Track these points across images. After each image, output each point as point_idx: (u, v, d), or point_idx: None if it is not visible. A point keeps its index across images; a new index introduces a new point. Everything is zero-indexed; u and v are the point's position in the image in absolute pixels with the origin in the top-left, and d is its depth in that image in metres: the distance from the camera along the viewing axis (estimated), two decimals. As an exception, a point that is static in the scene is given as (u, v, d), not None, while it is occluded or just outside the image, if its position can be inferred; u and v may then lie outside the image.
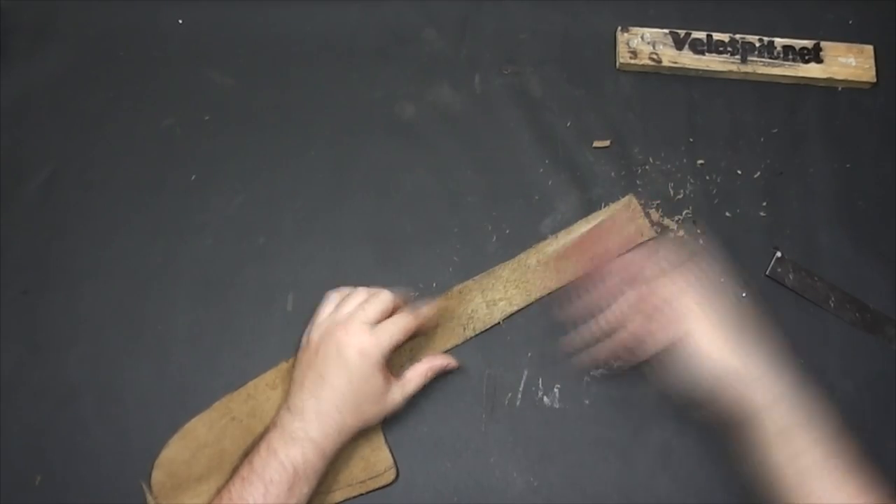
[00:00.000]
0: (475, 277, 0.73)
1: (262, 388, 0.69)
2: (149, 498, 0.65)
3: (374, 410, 0.63)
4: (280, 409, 0.62)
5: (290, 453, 0.59)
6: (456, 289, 0.72)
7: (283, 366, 0.69)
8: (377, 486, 0.66)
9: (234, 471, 0.60)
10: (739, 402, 0.59)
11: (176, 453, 0.66)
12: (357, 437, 0.65)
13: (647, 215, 0.75)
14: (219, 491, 0.59)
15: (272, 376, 0.69)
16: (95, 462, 0.67)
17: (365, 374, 0.62)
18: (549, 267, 0.72)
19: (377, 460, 0.66)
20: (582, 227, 0.74)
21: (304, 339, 0.66)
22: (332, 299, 0.67)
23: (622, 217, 0.74)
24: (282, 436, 0.60)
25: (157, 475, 0.66)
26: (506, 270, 0.73)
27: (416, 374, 0.66)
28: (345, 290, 0.67)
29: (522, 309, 0.72)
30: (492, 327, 0.71)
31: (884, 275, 0.74)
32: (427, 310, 0.67)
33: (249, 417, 0.67)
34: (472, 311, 0.71)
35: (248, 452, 0.61)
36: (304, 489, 0.59)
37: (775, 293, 0.73)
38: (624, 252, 0.71)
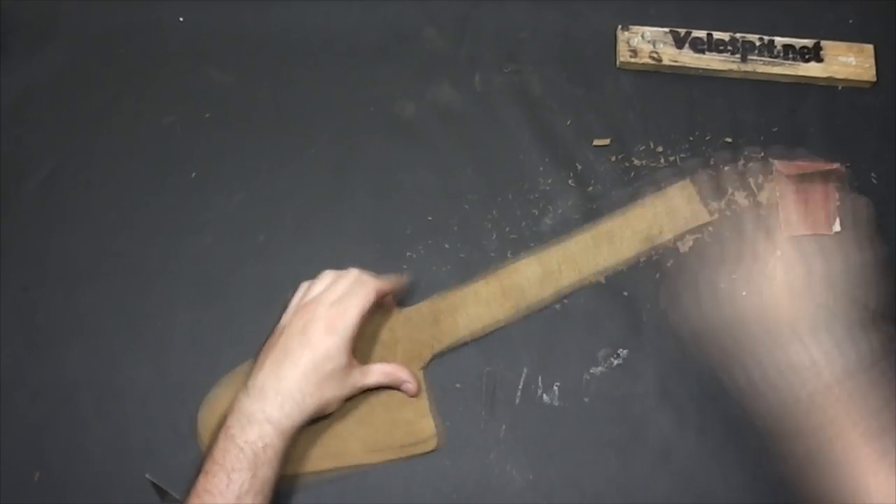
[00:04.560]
0: (528, 254, 0.73)
1: None
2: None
3: (334, 392, 0.63)
4: (239, 394, 0.61)
5: (249, 437, 0.58)
6: (509, 265, 0.73)
7: None
8: (418, 451, 0.66)
9: (198, 467, 0.59)
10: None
11: (224, 393, 0.66)
12: (403, 402, 0.66)
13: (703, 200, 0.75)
14: (187, 492, 0.58)
15: None
16: (94, 459, 0.67)
17: (329, 353, 0.62)
18: (601, 246, 0.73)
19: (421, 428, 0.67)
20: (637, 209, 0.74)
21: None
22: (303, 287, 0.67)
23: (678, 200, 0.75)
24: (239, 419, 0.59)
25: (203, 412, 0.66)
26: (559, 248, 0.73)
27: (379, 371, 0.66)
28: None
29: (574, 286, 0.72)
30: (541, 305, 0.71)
31: (883, 275, 0.73)
32: (393, 280, 0.68)
33: None
34: (522, 286, 0.72)
35: (210, 446, 0.60)
36: (268, 473, 0.58)
37: (775, 292, 0.73)
38: (680, 234, 0.73)
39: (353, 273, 0.66)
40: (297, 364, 0.61)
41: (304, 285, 0.68)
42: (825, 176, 0.73)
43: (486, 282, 0.72)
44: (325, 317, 0.63)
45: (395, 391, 0.68)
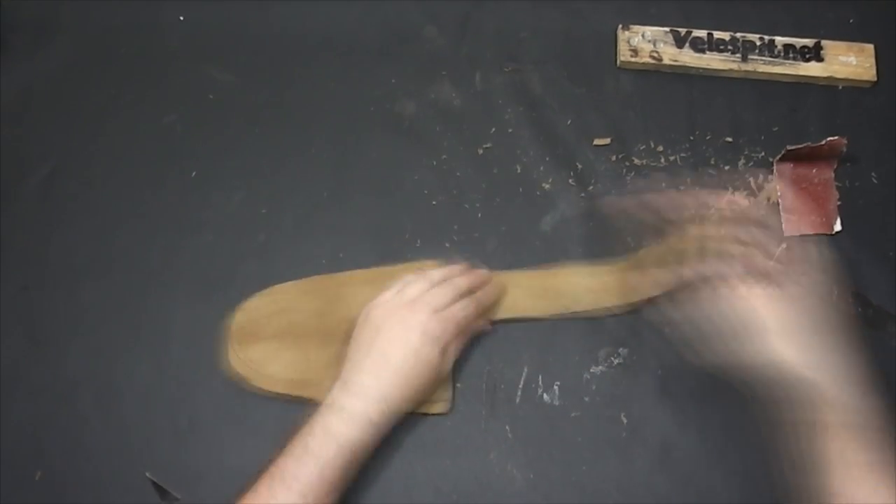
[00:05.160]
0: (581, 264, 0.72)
1: (358, 282, 0.70)
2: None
3: (427, 393, 0.65)
4: (335, 389, 0.62)
5: (351, 436, 0.59)
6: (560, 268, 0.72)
7: (385, 269, 0.71)
8: (430, 411, 0.67)
9: (282, 450, 0.59)
10: (797, 388, 0.59)
11: (260, 304, 0.69)
12: None
13: None
14: (266, 471, 0.58)
15: (371, 274, 0.71)
16: (95, 458, 0.67)
17: (427, 357, 0.63)
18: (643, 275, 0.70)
19: (440, 389, 0.67)
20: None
21: (361, 317, 0.66)
22: (399, 282, 0.67)
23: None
24: (340, 417, 0.60)
25: (239, 317, 0.69)
26: (606, 267, 0.72)
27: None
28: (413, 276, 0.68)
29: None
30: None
31: (884, 274, 0.74)
32: (489, 290, 0.69)
33: (336, 302, 0.69)
34: (574, 293, 0.71)
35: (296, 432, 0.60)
36: (357, 468, 0.60)
37: (775, 291, 0.73)
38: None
39: (458, 284, 0.67)
40: (398, 369, 0.62)
41: (399, 283, 0.67)
42: (824, 151, 0.73)
43: (529, 275, 0.72)
44: (424, 320, 0.63)
45: None
